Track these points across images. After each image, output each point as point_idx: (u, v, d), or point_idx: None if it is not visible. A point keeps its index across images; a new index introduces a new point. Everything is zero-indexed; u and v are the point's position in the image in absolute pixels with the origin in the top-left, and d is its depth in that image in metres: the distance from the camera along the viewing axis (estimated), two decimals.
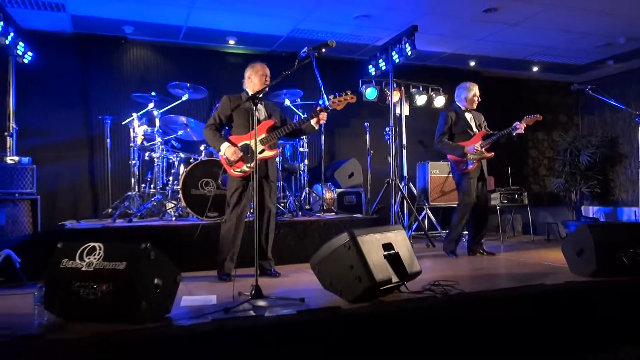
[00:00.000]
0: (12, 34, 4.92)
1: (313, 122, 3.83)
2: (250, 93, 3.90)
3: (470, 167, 4.78)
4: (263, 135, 3.81)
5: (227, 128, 3.98)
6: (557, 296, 3.11)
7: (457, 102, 5.00)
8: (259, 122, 3.83)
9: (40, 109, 5.88)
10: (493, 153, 4.84)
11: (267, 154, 3.84)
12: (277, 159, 5.68)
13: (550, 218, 7.91)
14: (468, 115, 4.92)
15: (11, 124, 5.11)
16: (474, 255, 4.90)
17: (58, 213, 5.80)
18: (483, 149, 4.76)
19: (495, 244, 5.89)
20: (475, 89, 4.93)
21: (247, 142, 3.80)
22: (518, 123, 4.71)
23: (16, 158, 4.57)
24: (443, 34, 6.39)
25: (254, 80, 3.89)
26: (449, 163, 5.08)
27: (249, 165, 3.75)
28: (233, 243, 3.81)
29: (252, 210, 4.32)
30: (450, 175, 6.39)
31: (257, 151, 3.75)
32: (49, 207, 5.66)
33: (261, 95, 3.88)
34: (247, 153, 3.77)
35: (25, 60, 5.36)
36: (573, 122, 9.13)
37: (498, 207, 6.38)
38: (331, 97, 3.72)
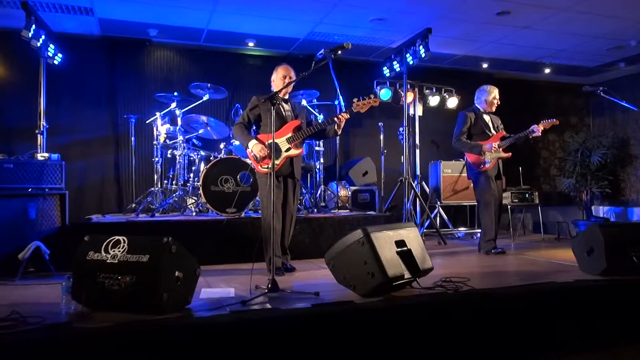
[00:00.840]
0: (43, 37, 5.11)
1: (336, 125, 3.97)
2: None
3: (488, 165, 4.90)
4: (289, 135, 3.94)
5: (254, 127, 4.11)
6: (567, 294, 3.15)
7: (476, 104, 5.13)
8: (285, 121, 3.97)
9: (69, 108, 6.13)
10: (510, 153, 4.97)
11: (293, 152, 3.95)
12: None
13: (560, 217, 7.99)
14: (486, 117, 5.06)
15: (42, 122, 5.31)
16: (485, 252, 5.01)
17: (85, 207, 6.05)
18: (500, 149, 4.91)
19: (506, 242, 5.99)
20: (495, 92, 5.05)
21: (275, 140, 3.88)
22: (535, 126, 4.85)
23: (46, 155, 4.74)
24: (456, 37, 6.51)
25: (276, 82, 4.03)
26: (465, 162, 5.19)
27: (276, 162, 3.87)
28: (276, 237, 3.86)
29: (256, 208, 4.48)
30: (462, 174, 6.60)
31: (284, 149, 3.93)
32: (77, 202, 5.91)
33: (287, 97, 4.06)
34: (274, 151, 3.92)
35: (56, 62, 5.58)
36: (584, 123, 9.17)
37: (509, 206, 6.48)
38: (355, 100, 3.83)
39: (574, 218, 7.86)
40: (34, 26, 4.86)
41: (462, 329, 2.81)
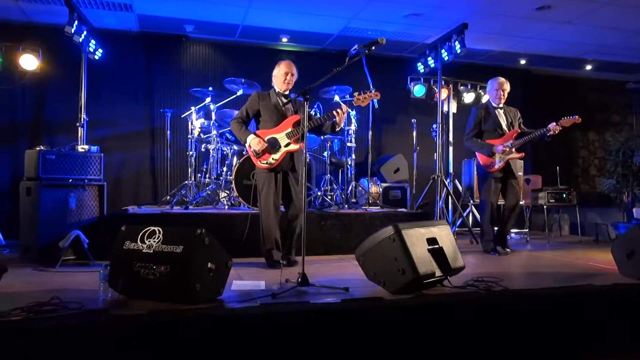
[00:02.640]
0: (85, 32, 5.27)
1: (337, 120, 3.96)
2: (277, 90, 4.08)
3: (496, 166, 4.74)
4: (289, 130, 3.96)
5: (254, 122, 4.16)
6: (605, 298, 3.07)
7: (489, 99, 4.97)
8: (285, 117, 4.02)
9: (108, 102, 6.31)
10: (523, 154, 4.80)
11: (293, 147, 3.98)
12: (326, 153, 5.90)
13: (599, 219, 7.73)
14: (499, 112, 4.86)
15: (82, 116, 5.49)
16: (484, 251, 4.89)
17: (121, 198, 6.22)
18: (513, 149, 4.73)
19: (541, 242, 5.86)
20: (501, 84, 4.82)
21: (274, 135, 3.97)
22: (553, 124, 4.62)
23: (86, 147, 4.89)
24: (493, 32, 6.37)
25: (277, 77, 4.06)
26: (476, 160, 5.03)
27: (274, 157, 3.93)
28: (274, 232, 3.98)
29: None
30: None
31: (283, 144, 3.95)
32: (114, 193, 6.06)
33: (287, 92, 4.08)
34: (273, 146, 3.95)
35: (96, 57, 5.75)
36: (626, 121, 8.83)
37: (545, 206, 6.32)
38: (356, 94, 3.83)
39: (613, 220, 7.59)
40: (76, 22, 5.00)
41: (493, 329, 2.77)
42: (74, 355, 2.11)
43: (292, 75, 4.04)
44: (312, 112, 5.42)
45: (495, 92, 4.84)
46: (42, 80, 5.93)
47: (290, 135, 3.96)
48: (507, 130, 4.82)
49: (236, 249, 3.88)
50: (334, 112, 3.92)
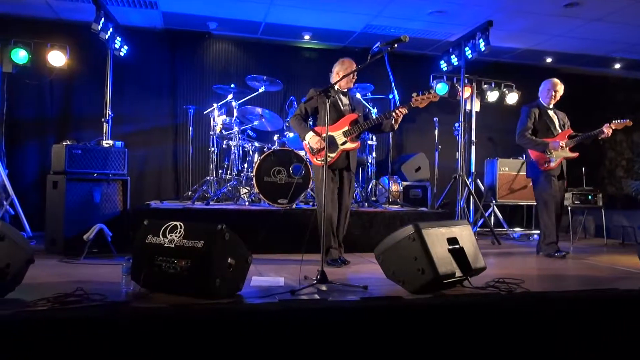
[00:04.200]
0: (111, 30, 5.36)
1: (393, 120, 3.93)
2: (336, 88, 4.02)
3: (552, 164, 4.67)
4: (346, 128, 3.95)
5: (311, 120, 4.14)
6: (631, 302, 2.99)
7: (540, 99, 4.89)
8: (343, 115, 3.99)
9: (132, 98, 6.41)
10: (577, 153, 4.73)
11: (349, 145, 3.96)
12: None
13: (625, 221, 7.52)
14: (551, 113, 4.82)
15: (108, 111, 5.59)
16: (547, 255, 4.79)
17: (144, 193, 6.32)
18: (567, 148, 4.68)
19: (565, 245, 5.73)
20: (558, 85, 4.79)
21: (331, 133, 3.94)
22: (607, 125, 4.59)
23: (111, 142, 4.98)
24: (519, 30, 6.26)
25: (340, 74, 3.98)
26: (526, 159, 4.94)
27: (331, 155, 3.92)
28: (332, 230, 3.95)
29: (310, 202, 4.53)
30: (521, 173, 6.36)
31: (340, 142, 3.95)
32: (137, 188, 6.17)
33: (346, 90, 4.06)
34: (330, 143, 3.92)
35: (122, 54, 5.85)
36: None
37: (570, 208, 6.20)
38: (414, 95, 3.79)
39: None
40: (102, 19, 5.09)
41: (513, 332, 2.73)
42: (96, 344, 2.15)
43: (354, 75, 4.00)
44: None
45: (548, 92, 4.80)
46: (69, 77, 6.06)
47: (347, 133, 3.95)
48: (559, 130, 4.78)
49: (256, 245, 3.91)
50: (394, 112, 3.88)
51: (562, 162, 4.73)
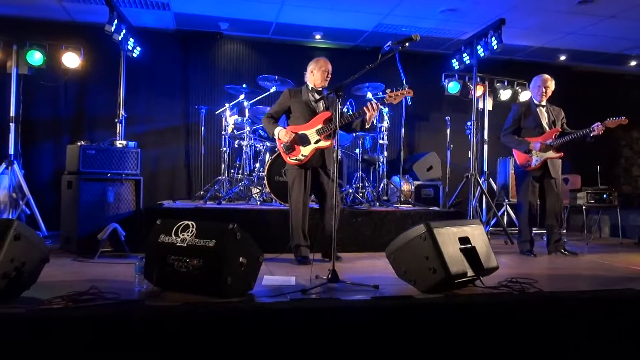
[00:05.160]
0: (124, 31, 5.40)
1: (367, 117, 3.89)
2: (310, 86, 4.06)
3: (534, 165, 4.61)
4: (319, 126, 3.96)
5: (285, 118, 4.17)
6: None
7: (532, 96, 4.84)
8: (316, 113, 4.01)
9: (145, 99, 6.47)
10: (562, 153, 4.64)
11: (322, 144, 3.96)
12: (358, 150, 5.88)
13: None
14: (541, 110, 4.72)
15: (121, 112, 5.65)
16: (554, 254, 4.76)
17: (157, 193, 6.38)
18: (552, 148, 4.59)
19: (579, 244, 5.68)
20: (545, 81, 4.69)
21: (304, 131, 3.97)
22: (597, 124, 4.45)
23: (124, 142, 5.02)
24: (532, 28, 6.20)
25: (315, 74, 4.03)
26: (513, 158, 4.91)
27: (304, 153, 3.93)
28: (302, 229, 4.00)
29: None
30: None
31: (313, 141, 3.95)
32: (150, 187, 6.22)
33: (320, 89, 4.06)
34: (303, 142, 3.95)
35: (135, 55, 5.90)
36: None
37: (584, 207, 6.13)
38: (387, 91, 3.80)
39: None
40: (116, 21, 5.14)
41: (526, 332, 2.70)
42: (109, 342, 2.18)
43: (330, 72, 4.05)
44: (345, 110, 5.40)
45: (538, 89, 4.72)
46: (83, 78, 6.13)
47: (320, 131, 3.96)
48: (547, 129, 4.69)
49: (268, 244, 3.88)
50: (364, 109, 3.88)
51: (548, 162, 4.64)
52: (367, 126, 4.05)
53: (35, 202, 5.28)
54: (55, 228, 5.01)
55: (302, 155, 3.96)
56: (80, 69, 5.60)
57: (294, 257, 4.04)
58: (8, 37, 5.28)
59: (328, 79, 4.06)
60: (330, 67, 4.05)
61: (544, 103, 4.75)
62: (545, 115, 4.74)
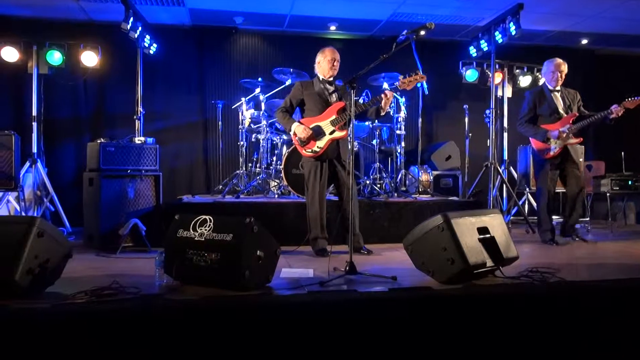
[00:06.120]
0: (140, 28, 5.46)
1: (382, 104, 3.87)
2: (320, 77, 4.05)
3: (552, 152, 4.51)
4: (333, 117, 3.94)
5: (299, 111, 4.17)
6: None
7: (545, 81, 4.72)
8: (329, 104, 3.99)
9: (162, 95, 6.54)
10: (581, 138, 4.54)
11: (337, 134, 3.95)
12: (375, 141, 5.85)
13: None
14: (556, 95, 4.61)
15: (139, 109, 5.72)
16: (569, 237, 4.70)
17: (176, 188, 6.45)
18: (570, 134, 4.48)
19: (604, 232, 5.56)
20: (558, 65, 4.58)
21: (318, 123, 3.96)
22: (615, 106, 4.32)
23: (142, 139, 5.09)
24: (551, 12, 6.04)
25: (322, 65, 4.02)
26: (531, 146, 4.80)
27: (319, 145, 3.92)
28: (320, 221, 3.99)
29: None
30: None
31: (328, 132, 3.94)
32: (169, 183, 6.32)
33: (332, 79, 4.04)
34: (318, 134, 3.94)
35: (151, 52, 5.96)
36: None
37: (608, 194, 5.99)
38: (400, 77, 3.76)
39: None
40: (131, 19, 5.20)
41: (547, 323, 2.66)
42: (131, 336, 2.22)
43: (337, 61, 4.03)
44: (360, 100, 5.37)
45: (552, 74, 4.61)
46: (101, 76, 6.21)
47: (334, 122, 3.95)
48: (563, 114, 4.58)
49: (286, 237, 3.94)
50: (379, 97, 3.86)
51: (567, 147, 4.53)
52: (382, 114, 4.01)
53: (59, 199, 5.39)
54: (79, 224, 5.12)
55: (317, 147, 3.95)
56: (98, 67, 5.67)
57: (312, 249, 4.04)
58: (28, 38, 5.38)
59: (335, 68, 4.03)
60: (337, 56, 4.02)
61: (558, 88, 4.64)
62: (561, 100, 4.63)
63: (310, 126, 3.95)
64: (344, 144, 4.02)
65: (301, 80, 4.12)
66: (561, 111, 4.60)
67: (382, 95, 3.84)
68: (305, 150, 3.99)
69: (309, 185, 4.02)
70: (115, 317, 2.28)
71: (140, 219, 4.25)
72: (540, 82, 6.51)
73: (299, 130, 3.93)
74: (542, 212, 4.70)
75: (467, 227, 2.97)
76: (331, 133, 3.95)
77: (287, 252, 3.94)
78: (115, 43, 5.99)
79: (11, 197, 5.13)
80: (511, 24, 5.42)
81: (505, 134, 6.51)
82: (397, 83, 3.79)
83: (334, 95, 4.06)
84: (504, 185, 6.11)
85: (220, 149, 6.34)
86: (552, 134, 4.50)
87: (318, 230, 4.01)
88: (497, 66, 6.11)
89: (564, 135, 4.47)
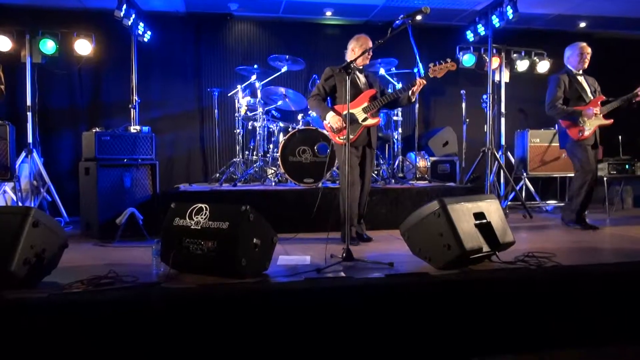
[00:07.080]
0: (133, 16, 5.41)
1: (410, 92, 3.86)
2: (352, 65, 3.99)
3: (587, 133, 4.50)
4: (365, 104, 3.93)
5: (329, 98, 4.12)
6: None
7: (568, 65, 4.69)
8: (361, 91, 3.96)
9: (158, 84, 6.47)
10: (612, 120, 4.55)
11: (370, 122, 3.95)
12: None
13: None
14: (582, 79, 4.63)
15: (134, 97, 5.68)
16: (565, 222, 4.72)
17: (174, 177, 6.43)
18: (601, 115, 4.51)
19: (601, 217, 5.57)
20: (581, 47, 4.60)
21: (351, 110, 3.90)
22: None
23: (138, 128, 5.06)
24: None
25: (357, 52, 3.94)
26: (558, 130, 4.79)
27: (353, 133, 3.90)
28: (353, 208, 3.92)
29: (329, 179, 4.54)
30: (553, 144, 6.15)
31: (360, 119, 3.93)
32: (166, 172, 6.31)
33: (362, 67, 4.00)
34: (351, 122, 3.89)
35: (145, 39, 5.90)
36: None
37: (605, 178, 5.99)
38: (431, 65, 3.74)
39: None
40: (125, 6, 5.16)
41: (544, 307, 2.68)
42: (128, 324, 2.23)
43: (371, 50, 3.93)
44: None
45: (580, 57, 4.61)
46: (96, 65, 6.15)
47: (367, 109, 3.93)
48: (591, 97, 4.60)
49: (284, 224, 3.96)
50: (411, 84, 3.83)
51: (596, 130, 4.56)
52: (413, 100, 4.00)
53: (56, 189, 5.38)
54: (76, 214, 5.10)
55: (350, 134, 3.91)
56: (92, 56, 5.62)
57: (341, 237, 3.99)
58: (21, 27, 5.32)
59: (369, 57, 3.97)
60: (370, 44, 3.93)
61: (581, 72, 4.66)
62: (586, 83, 4.65)
63: (343, 113, 3.89)
64: (374, 131, 4.06)
65: (331, 66, 4.04)
66: (589, 94, 4.61)
67: (416, 82, 3.82)
68: (338, 137, 3.95)
69: (344, 171, 3.98)
70: (112, 306, 2.29)
71: (138, 208, 4.24)
72: (539, 67, 6.53)
73: (333, 120, 3.88)
74: (579, 193, 4.61)
75: (463, 213, 2.99)
76: (364, 120, 3.94)
77: (285, 240, 3.95)
78: (110, 31, 5.93)
79: (7, 187, 5.12)
80: (508, 7, 5.39)
81: (503, 119, 6.49)
82: (428, 71, 3.76)
83: (365, 83, 4.03)
84: (502, 171, 6.11)
85: (217, 137, 6.31)
86: (587, 112, 4.49)
87: (351, 219, 3.94)
88: (494, 51, 6.08)
89: (597, 114, 4.49)
